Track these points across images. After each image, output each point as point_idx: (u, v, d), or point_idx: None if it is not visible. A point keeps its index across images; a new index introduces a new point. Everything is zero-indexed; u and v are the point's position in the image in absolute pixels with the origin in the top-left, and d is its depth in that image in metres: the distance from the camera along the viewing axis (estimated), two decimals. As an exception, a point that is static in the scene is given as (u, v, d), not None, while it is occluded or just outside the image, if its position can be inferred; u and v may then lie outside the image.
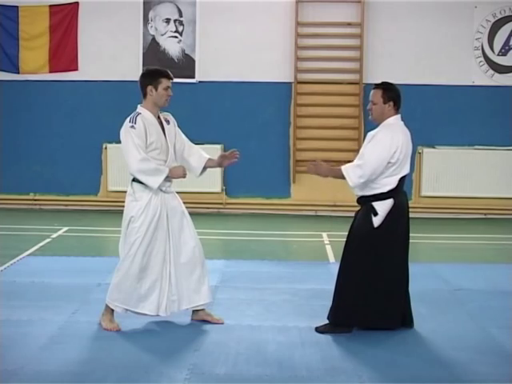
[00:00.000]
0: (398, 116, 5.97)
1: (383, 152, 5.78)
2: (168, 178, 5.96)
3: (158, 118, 6.06)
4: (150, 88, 5.96)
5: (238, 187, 12.32)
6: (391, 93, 5.93)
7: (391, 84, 6.02)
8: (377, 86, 6.02)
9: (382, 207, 5.84)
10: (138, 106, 6.04)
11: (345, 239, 6.07)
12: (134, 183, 5.97)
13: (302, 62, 12.28)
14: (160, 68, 6.20)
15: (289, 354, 5.47)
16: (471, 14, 12.12)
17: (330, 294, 6.05)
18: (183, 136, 6.23)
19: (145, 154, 5.85)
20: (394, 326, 5.99)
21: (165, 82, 5.97)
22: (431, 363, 5.36)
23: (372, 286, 5.86)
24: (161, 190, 5.96)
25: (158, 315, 6.05)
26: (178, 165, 6.09)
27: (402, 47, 12.16)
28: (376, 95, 5.93)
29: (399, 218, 5.90)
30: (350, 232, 6.05)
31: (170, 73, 6.04)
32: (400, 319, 6.03)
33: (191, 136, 6.33)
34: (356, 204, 6.10)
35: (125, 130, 5.90)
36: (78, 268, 8.12)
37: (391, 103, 5.91)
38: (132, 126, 5.85)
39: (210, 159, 6.22)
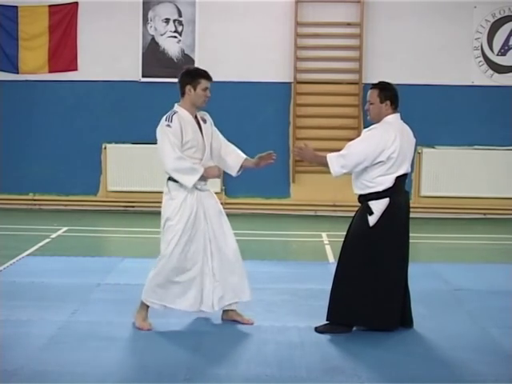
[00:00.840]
0: (397, 115, 5.96)
1: (369, 147, 5.78)
2: (203, 177, 5.97)
3: (195, 117, 6.06)
4: (188, 87, 5.97)
5: (238, 187, 12.29)
6: (388, 92, 5.93)
7: (388, 83, 6.02)
8: (374, 85, 6.02)
9: (378, 206, 5.83)
10: (175, 104, 6.05)
11: (344, 239, 6.08)
12: (170, 182, 5.98)
13: (301, 62, 12.29)
14: (200, 68, 6.20)
15: (288, 354, 5.47)
16: (471, 14, 12.13)
17: (330, 294, 6.06)
18: (220, 135, 6.25)
19: (180, 152, 5.86)
20: (392, 327, 5.96)
21: (204, 83, 5.97)
22: (431, 363, 5.35)
23: (368, 285, 5.84)
24: (196, 188, 5.97)
25: (200, 311, 6.06)
26: (213, 165, 6.10)
27: (401, 47, 12.17)
28: (373, 95, 5.94)
29: (396, 217, 5.87)
30: (347, 231, 6.06)
31: (209, 74, 6.03)
32: (398, 320, 6.01)
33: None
34: (355, 204, 6.09)
35: (161, 129, 5.92)
36: (78, 268, 8.12)
37: (388, 102, 5.91)
38: (168, 125, 5.87)
39: (246, 159, 6.22)
